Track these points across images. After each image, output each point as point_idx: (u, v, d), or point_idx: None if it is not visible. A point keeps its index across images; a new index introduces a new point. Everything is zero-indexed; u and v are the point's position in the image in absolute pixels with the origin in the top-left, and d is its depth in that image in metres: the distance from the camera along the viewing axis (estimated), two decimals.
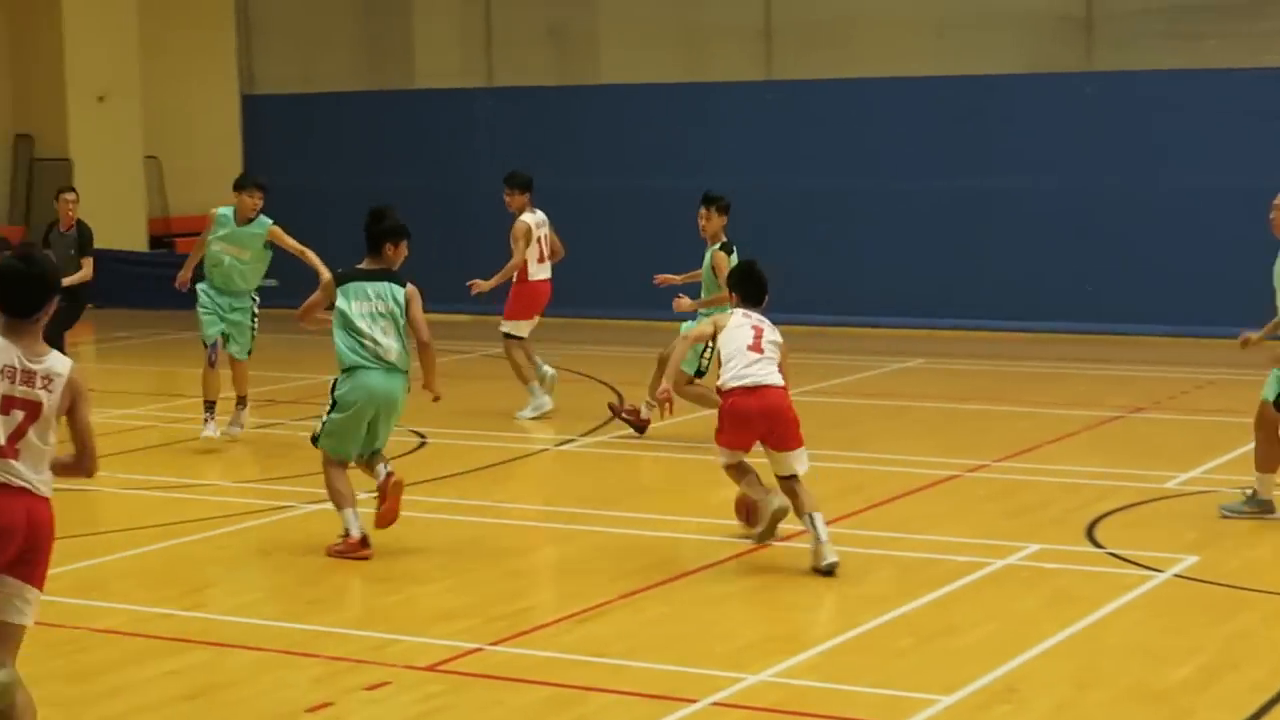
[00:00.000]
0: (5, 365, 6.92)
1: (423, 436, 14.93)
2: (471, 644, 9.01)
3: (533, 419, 15.86)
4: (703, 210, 14.98)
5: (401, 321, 11.03)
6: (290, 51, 26.29)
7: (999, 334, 21.51)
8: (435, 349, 11.14)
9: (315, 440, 11.20)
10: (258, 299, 15.39)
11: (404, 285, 11.13)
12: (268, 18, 25.94)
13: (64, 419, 7.28)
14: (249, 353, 15.21)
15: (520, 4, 25.11)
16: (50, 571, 10.05)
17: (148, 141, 29.13)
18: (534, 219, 16.19)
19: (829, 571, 10.23)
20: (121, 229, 28.09)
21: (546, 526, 11.79)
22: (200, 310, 14.97)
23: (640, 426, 14.85)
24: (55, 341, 16.87)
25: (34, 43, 27.93)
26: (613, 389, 16.78)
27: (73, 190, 18.30)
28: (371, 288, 11.12)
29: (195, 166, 30.55)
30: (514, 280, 16.22)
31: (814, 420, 15.89)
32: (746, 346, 10.85)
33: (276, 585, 10.60)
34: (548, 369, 16.14)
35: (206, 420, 14.71)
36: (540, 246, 16.21)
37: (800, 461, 10.76)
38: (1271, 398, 11.41)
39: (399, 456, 14.06)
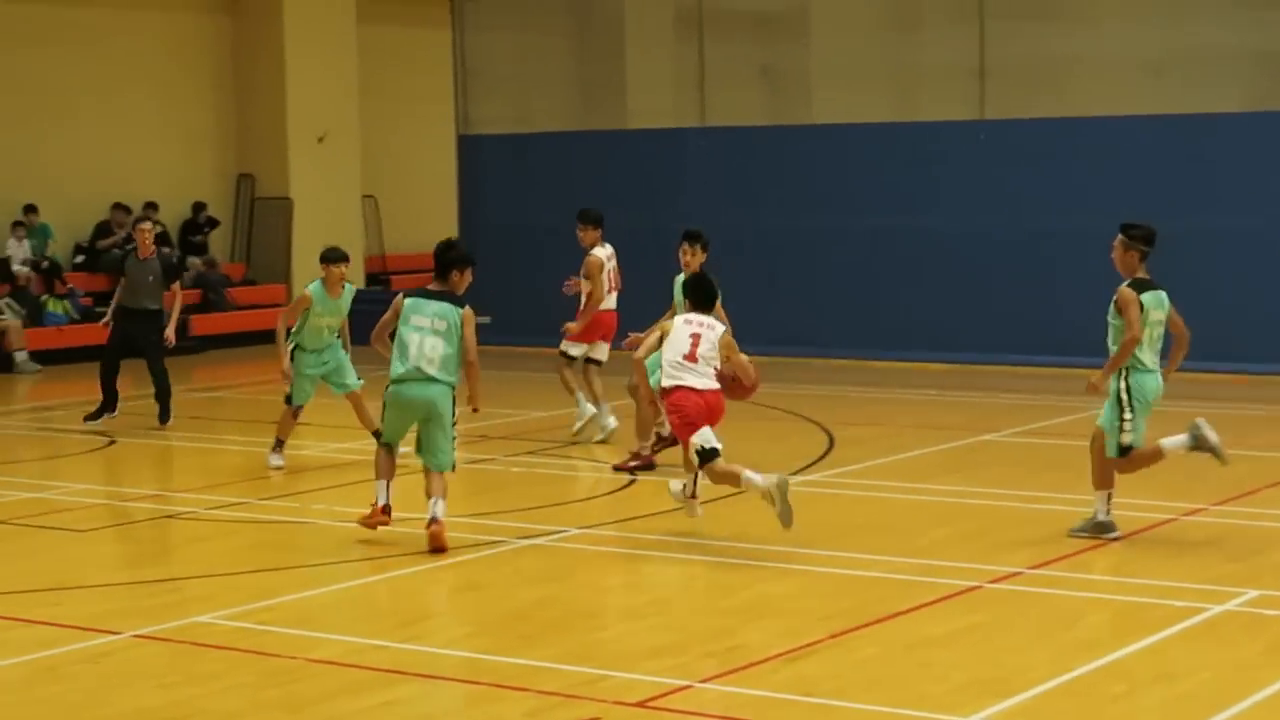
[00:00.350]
0: None
1: (633, 474, 14.97)
2: (681, 681, 9.01)
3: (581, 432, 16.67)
4: (685, 246, 15.78)
5: (455, 339, 12.22)
6: (505, 93, 26.60)
7: (1214, 376, 21.10)
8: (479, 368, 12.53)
9: (1125, 452, 12.14)
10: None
11: (462, 307, 12.32)
12: (484, 60, 26.27)
13: None
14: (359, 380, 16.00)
15: (733, 44, 25.19)
16: (267, 602, 10.25)
17: (365, 181, 29.65)
18: (604, 253, 16.97)
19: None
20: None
21: (757, 565, 11.75)
22: (296, 376, 15.65)
23: (648, 465, 15.08)
24: (157, 367, 17.37)
25: (258, 86, 28.57)
26: (824, 429, 16.71)
27: (148, 219, 19.08)
28: (431, 306, 12.31)
29: (411, 205, 31.07)
30: (582, 307, 16.82)
31: (1030, 462, 15.78)
32: (683, 356, 12.26)
33: (488, 619, 10.68)
34: (611, 420, 16.76)
35: (275, 452, 15.54)
36: (609, 279, 17.02)
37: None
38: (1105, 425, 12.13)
39: (611, 492, 14.13)
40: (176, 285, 18.22)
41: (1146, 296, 12.12)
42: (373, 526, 12.40)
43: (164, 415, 18.03)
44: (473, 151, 26.00)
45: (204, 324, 26.52)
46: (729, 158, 24.22)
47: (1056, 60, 22.91)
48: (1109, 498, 12.28)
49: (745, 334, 23.27)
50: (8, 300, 23.49)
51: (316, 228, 28.35)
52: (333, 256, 15.86)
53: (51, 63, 26.47)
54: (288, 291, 28.34)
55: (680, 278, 15.42)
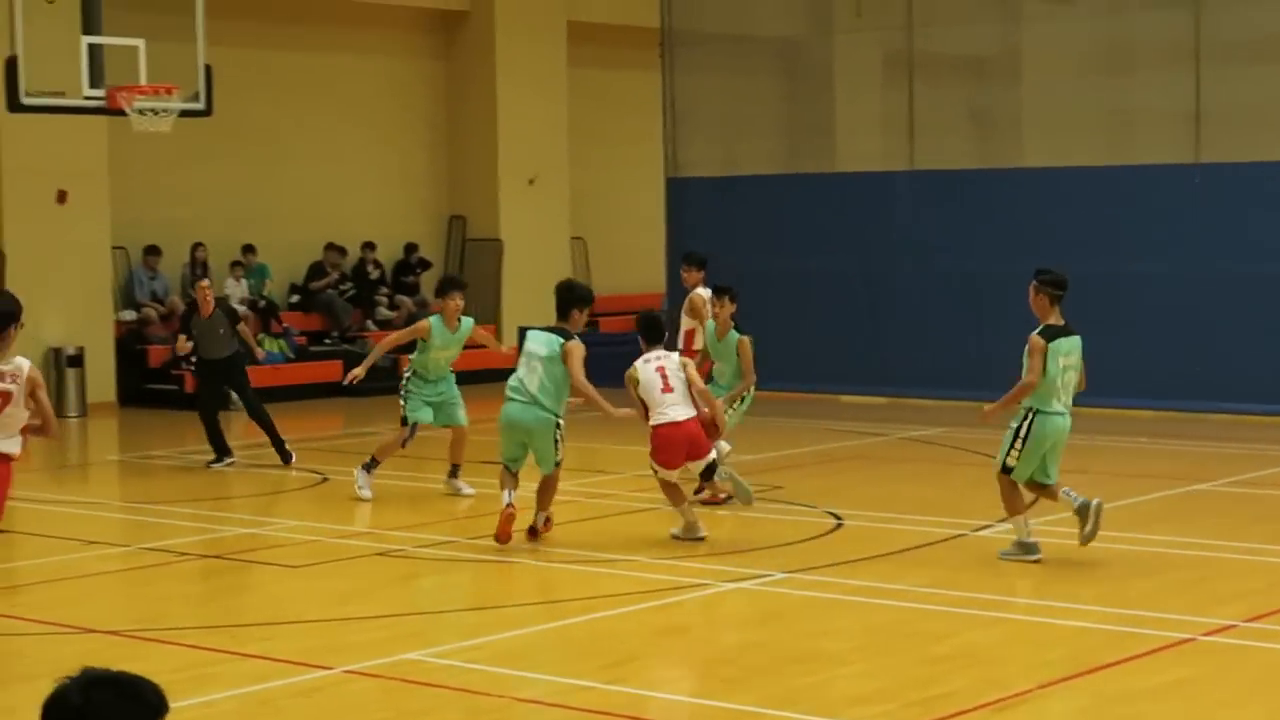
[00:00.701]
0: None
1: (839, 518, 14.92)
2: None
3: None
4: (713, 299, 16.40)
5: (555, 368, 13.58)
6: (714, 135, 26.69)
7: None
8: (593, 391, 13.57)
9: (1008, 471, 13.08)
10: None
11: (568, 339, 13.61)
12: (693, 103, 26.39)
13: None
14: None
15: (942, 87, 25.07)
16: (474, 640, 10.36)
17: (574, 223, 29.91)
18: (707, 293, 17.10)
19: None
20: (547, 307, 28.75)
21: (963, 612, 11.65)
22: (410, 397, 16.29)
23: (716, 501, 15.51)
24: (254, 406, 17.72)
25: (470, 129, 28.98)
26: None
27: (207, 278, 20.01)
28: (543, 337, 13.78)
29: (619, 247, 31.26)
30: (680, 349, 16.85)
31: (1243, 513, 15.47)
32: (660, 390, 13.82)
33: (693, 662, 10.69)
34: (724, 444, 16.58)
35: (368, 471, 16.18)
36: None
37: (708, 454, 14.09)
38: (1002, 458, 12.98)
39: (818, 537, 14.10)
40: (242, 324, 19.07)
41: (1058, 343, 12.74)
42: (507, 537, 13.56)
43: (284, 456, 18.34)
44: (681, 194, 26.12)
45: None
46: (938, 201, 24.09)
47: (1274, 103, 22.50)
48: (1027, 521, 13.03)
49: (953, 378, 23.24)
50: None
51: (526, 269, 28.66)
52: (448, 287, 16.21)
53: (272, 107, 27.08)
54: (496, 332, 28.65)
55: (711, 329, 16.34)
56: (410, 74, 29.00)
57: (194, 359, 19.11)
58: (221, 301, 19.36)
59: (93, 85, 18.24)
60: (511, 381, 13.82)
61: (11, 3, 17.67)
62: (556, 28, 29.43)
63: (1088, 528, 12.75)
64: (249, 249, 26.32)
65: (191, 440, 20.64)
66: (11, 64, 17.69)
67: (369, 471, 16.22)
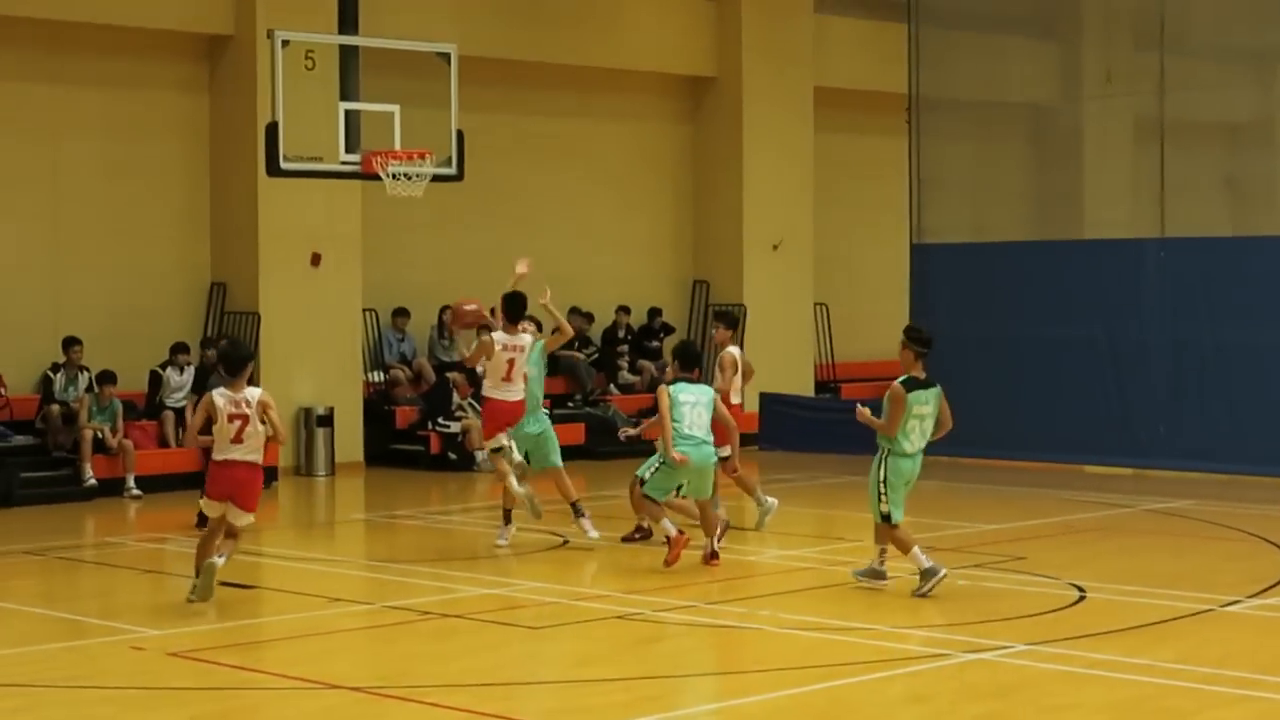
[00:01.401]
0: (229, 401, 13.87)
1: (1082, 590, 14.68)
2: None
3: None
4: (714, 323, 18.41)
5: (710, 413, 15.80)
6: (960, 201, 26.53)
7: None
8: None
9: (643, 484, 15.67)
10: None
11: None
12: (940, 169, 26.25)
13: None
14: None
15: (1195, 154, 24.66)
16: (714, 705, 10.37)
17: (817, 288, 29.88)
18: (737, 352, 18.11)
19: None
20: (789, 373, 28.84)
21: (1212, 690, 11.38)
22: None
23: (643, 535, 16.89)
24: None
25: (716, 194, 29.13)
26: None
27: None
28: (696, 388, 15.99)
29: (862, 314, 31.15)
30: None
31: None
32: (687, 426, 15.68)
33: None
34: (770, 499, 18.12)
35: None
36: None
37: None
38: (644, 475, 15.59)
39: (1059, 610, 13.89)
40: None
41: (916, 393, 14.47)
42: (678, 557, 15.52)
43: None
44: (925, 260, 25.97)
45: (656, 428, 26.93)
46: (1189, 269, 23.65)
47: None
48: (883, 551, 14.66)
49: (1202, 450, 22.75)
50: (470, 401, 24.33)
51: (768, 334, 28.68)
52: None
53: (521, 172, 27.47)
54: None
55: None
56: (658, 139, 29.26)
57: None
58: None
59: (349, 150, 18.66)
60: (685, 430, 15.61)
61: (274, 71, 18.16)
62: (804, 93, 29.49)
63: (926, 587, 14.25)
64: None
65: (435, 500, 20.96)
66: (272, 130, 18.17)
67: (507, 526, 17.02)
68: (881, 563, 14.72)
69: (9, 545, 18.08)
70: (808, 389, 29.20)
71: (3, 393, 22.28)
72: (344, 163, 18.69)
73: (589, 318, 27.78)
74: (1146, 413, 23.55)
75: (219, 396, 13.92)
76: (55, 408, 21.94)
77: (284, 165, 18.39)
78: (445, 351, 26.17)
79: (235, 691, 11.42)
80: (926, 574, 14.34)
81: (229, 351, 14.53)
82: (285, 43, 18.25)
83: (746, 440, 26.94)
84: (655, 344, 28.54)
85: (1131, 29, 25.86)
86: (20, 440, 22.03)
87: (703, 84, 29.21)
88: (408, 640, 13.28)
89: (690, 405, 15.84)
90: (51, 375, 22.28)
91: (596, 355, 27.80)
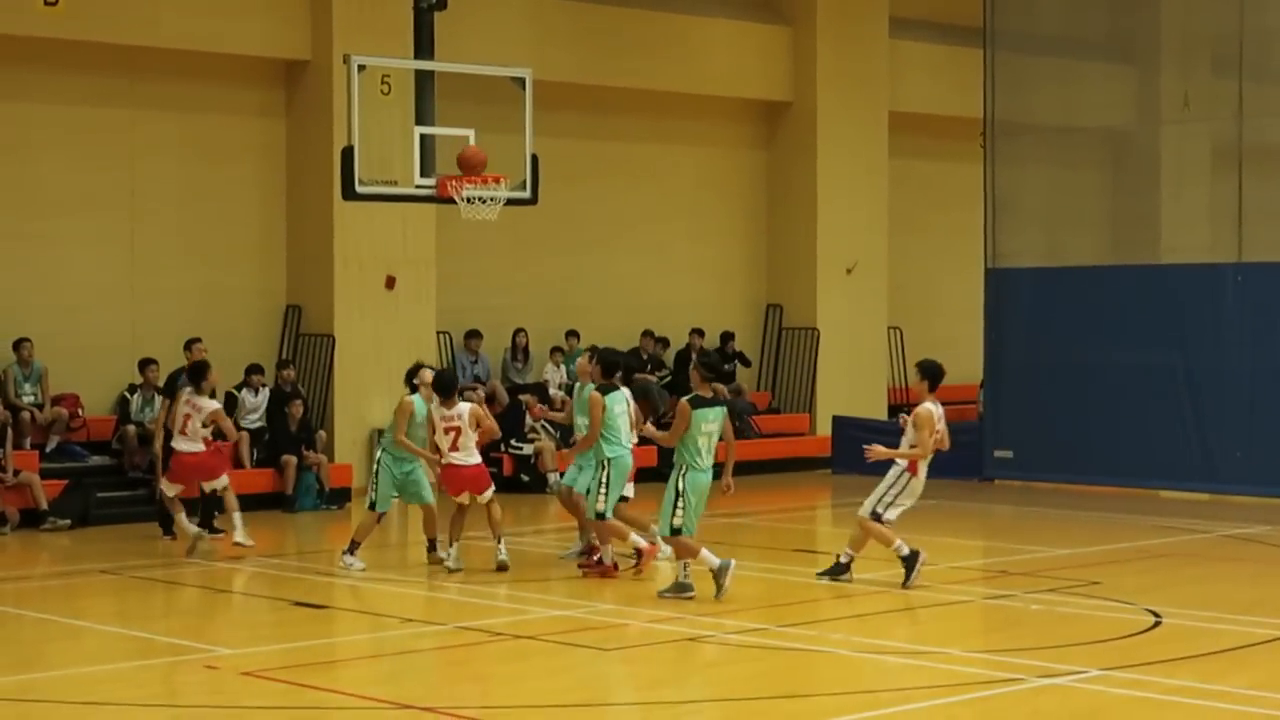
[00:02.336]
0: (443, 417, 16.64)
1: (1158, 616, 14.58)
2: None
3: None
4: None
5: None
6: (1035, 226, 26.43)
7: None
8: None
9: (676, 532, 15.35)
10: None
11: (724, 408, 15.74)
12: (1015, 194, 26.16)
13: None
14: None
15: (1273, 179, 24.46)
16: None
17: (891, 312, 29.81)
18: (937, 410, 16.31)
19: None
20: (862, 397, 28.79)
21: None
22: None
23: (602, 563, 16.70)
24: None
25: (790, 218, 29.14)
26: None
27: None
28: (712, 412, 15.40)
29: (936, 338, 31.01)
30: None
31: None
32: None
33: None
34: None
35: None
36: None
37: None
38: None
39: (1134, 635, 13.80)
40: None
41: (702, 410, 15.21)
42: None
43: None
44: (1000, 284, 25.87)
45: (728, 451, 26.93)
46: (1267, 294, 23.47)
47: None
48: (686, 565, 15.29)
49: (1278, 477, 22.56)
50: (543, 423, 24.38)
51: (842, 358, 28.65)
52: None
53: (595, 196, 27.55)
54: (811, 421, 28.68)
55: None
56: (732, 164, 29.28)
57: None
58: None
59: (423, 174, 18.72)
60: (706, 460, 15.50)
61: (349, 95, 18.27)
62: (879, 118, 29.47)
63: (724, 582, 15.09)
64: (572, 334, 26.74)
65: (508, 522, 20.96)
66: (348, 154, 18.27)
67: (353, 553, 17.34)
68: (686, 576, 15.39)
69: (85, 565, 18.24)
70: (881, 413, 29.11)
71: (80, 414, 22.47)
72: (419, 186, 18.76)
73: (664, 342, 27.79)
74: (1223, 437, 23.37)
75: (435, 413, 16.92)
76: (131, 428, 22.11)
77: (359, 189, 18.48)
78: (518, 374, 26.24)
79: (308, 711, 11.47)
80: (680, 587, 15.31)
81: (441, 376, 17.20)
82: (361, 68, 18.35)
83: (820, 464, 26.97)
84: (728, 367, 28.51)
85: (1210, 54, 25.73)
86: (97, 460, 22.23)
87: (778, 109, 29.22)
88: (480, 661, 13.30)
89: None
90: (128, 396, 22.46)
91: (670, 378, 27.79)
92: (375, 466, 17.63)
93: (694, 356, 27.77)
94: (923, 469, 16.17)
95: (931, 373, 16.55)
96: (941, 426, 16.20)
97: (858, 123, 29.17)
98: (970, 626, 14.80)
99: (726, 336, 28.60)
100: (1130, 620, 14.49)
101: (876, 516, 16.12)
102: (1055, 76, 26.75)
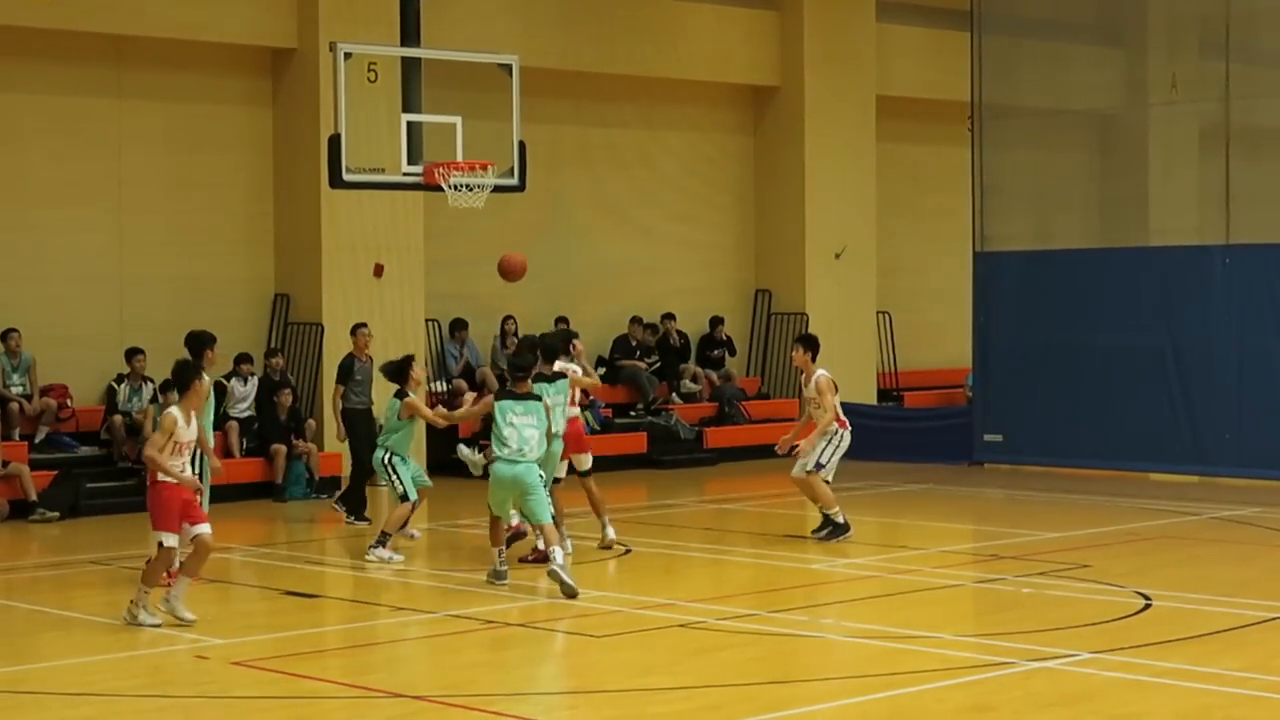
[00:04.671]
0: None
1: (1148, 598, 14.59)
2: None
3: None
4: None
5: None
6: (1024, 210, 26.43)
7: None
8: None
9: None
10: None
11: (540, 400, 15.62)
12: (1003, 177, 26.15)
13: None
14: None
15: (1261, 160, 24.50)
16: (774, 715, 10.35)
17: (879, 297, 29.81)
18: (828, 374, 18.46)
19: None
20: (851, 382, 28.71)
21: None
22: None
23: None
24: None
25: (777, 203, 29.10)
26: None
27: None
28: (520, 405, 15.33)
29: (924, 322, 31.09)
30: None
31: None
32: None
33: None
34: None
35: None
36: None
37: None
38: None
39: (1124, 618, 13.81)
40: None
41: (508, 403, 15.22)
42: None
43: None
44: (989, 268, 25.88)
45: (718, 437, 27.03)
46: (1255, 276, 23.49)
47: None
48: (501, 552, 15.67)
49: (1268, 456, 22.57)
50: None
51: (830, 343, 28.44)
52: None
53: (583, 182, 27.52)
54: (800, 406, 28.63)
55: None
56: (720, 149, 29.26)
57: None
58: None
59: (411, 162, 18.69)
60: (513, 449, 15.32)
61: (336, 83, 18.23)
62: (866, 102, 29.44)
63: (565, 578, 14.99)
64: (561, 320, 26.72)
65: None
66: (334, 142, 18.23)
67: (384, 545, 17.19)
68: (501, 561, 15.74)
69: (75, 555, 18.21)
70: (870, 398, 29.12)
71: (69, 404, 22.44)
72: (406, 174, 18.73)
73: (653, 328, 27.77)
74: (1212, 420, 23.40)
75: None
76: (119, 418, 22.08)
77: (346, 177, 18.44)
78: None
79: (299, 700, 11.47)
80: (498, 574, 15.62)
81: (545, 341, 17.23)
82: (348, 55, 18.30)
83: None
84: (716, 353, 28.51)
85: (1197, 36, 25.73)
86: (86, 451, 22.20)
87: (765, 93, 29.19)
88: (471, 649, 13.30)
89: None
90: (115, 386, 22.42)
91: (658, 365, 27.79)
92: (385, 468, 17.55)
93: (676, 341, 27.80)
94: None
95: (813, 344, 19.02)
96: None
97: (845, 107, 29.13)
98: (961, 610, 14.81)
99: (715, 321, 28.57)
100: (1121, 603, 14.50)
101: (820, 467, 17.97)
102: (1042, 59, 26.75)
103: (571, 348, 17.56)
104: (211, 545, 13.93)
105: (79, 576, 17.08)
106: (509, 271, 18.03)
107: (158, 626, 13.48)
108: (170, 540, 13.72)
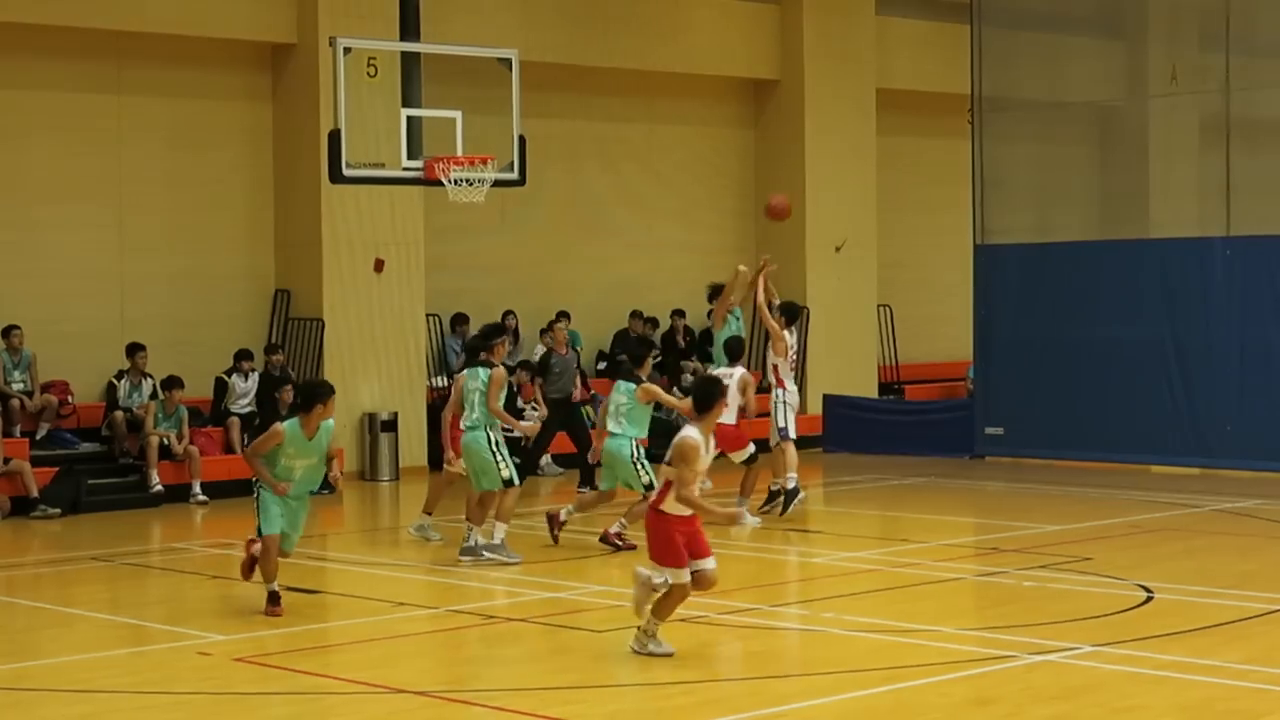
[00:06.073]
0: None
1: (1149, 591, 14.59)
2: None
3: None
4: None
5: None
6: (1024, 202, 26.41)
7: None
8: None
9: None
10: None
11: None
12: (1003, 170, 26.13)
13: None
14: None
15: (1261, 152, 24.47)
16: (777, 708, 10.34)
17: (880, 290, 29.80)
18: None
19: None
20: (852, 376, 28.79)
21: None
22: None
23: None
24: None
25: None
26: None
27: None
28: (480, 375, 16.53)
29: (925, 315, 31.08)
30: None
31: None
32: None
33: None
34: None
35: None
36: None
37: None
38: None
39: (1126, 611, 13.81)
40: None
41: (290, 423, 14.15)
42: None
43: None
44: (989, 261, 25.86)
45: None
46: (1255, 267, 23.47)
47: None
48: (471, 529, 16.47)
49: (1270, 449, 22.56)
50: (532, 404, 24.36)
51: (832, 336, 28.63)
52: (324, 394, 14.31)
53: (583, 177, 27.52)
54: (801, 399, 28.64)
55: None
56: (720, 143, 29.25)
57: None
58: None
59: (411, 156, 18.70)
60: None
61: (336, 78, 18.23)
62: (866, 95, 29.43)
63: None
64: (562, 314, 26.72)
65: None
66: (335, 137, 18.24)
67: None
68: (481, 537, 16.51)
69: (76, 551, 18.22)
70: (871, 391, 29.13)
71: (70, 400, 22.44)
72: (406, 169, 18.74)
73: (653, 322, 27.76)
74: (1213, 412, 23.39)
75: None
76: (120, 414, 22.08)
77: (347, 172, 18.45)
78: (509, 356, 26.17)
79: (301, 696, 11.47)
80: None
81: (730, 342, 19.23)
82: (347, 50, 18.31)
83: (812, 442, 26.94)
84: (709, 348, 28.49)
85: (1197, 28, 25.69)
86: (87, 447, 22.20)
87: (765, 87, 29.18)
88: (473, 644, 13.31)
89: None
90: (116, 382, 22.42)
91: (660, 359, 27.74)
92: (487, 446, 16.64)
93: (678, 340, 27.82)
94: (789, 381, 19.84)
95: (787, 310, 20.22)
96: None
97: (845, 100, 29.12)
98: (962, 604, 14.81)
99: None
100: (1122, 596, 14.50)
101: (785, 435, 19.26)
102: (1043, 52, 26.72)
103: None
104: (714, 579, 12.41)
105: (80, 573, 17.09)
106: (776, 213, 19.42)
107: (670, 655, 12.24)
108: (682, 577, 12.15)
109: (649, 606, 12.19)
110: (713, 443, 12.15)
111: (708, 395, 12.11)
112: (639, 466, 16.98)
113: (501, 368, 16.95)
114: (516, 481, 16.68)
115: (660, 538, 12.10)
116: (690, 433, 11.97)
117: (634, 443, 17.12)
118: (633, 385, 17.25)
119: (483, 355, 16.94)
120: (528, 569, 16.25)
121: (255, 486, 14.14)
